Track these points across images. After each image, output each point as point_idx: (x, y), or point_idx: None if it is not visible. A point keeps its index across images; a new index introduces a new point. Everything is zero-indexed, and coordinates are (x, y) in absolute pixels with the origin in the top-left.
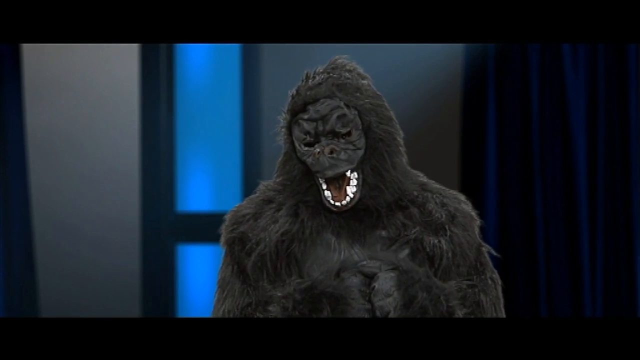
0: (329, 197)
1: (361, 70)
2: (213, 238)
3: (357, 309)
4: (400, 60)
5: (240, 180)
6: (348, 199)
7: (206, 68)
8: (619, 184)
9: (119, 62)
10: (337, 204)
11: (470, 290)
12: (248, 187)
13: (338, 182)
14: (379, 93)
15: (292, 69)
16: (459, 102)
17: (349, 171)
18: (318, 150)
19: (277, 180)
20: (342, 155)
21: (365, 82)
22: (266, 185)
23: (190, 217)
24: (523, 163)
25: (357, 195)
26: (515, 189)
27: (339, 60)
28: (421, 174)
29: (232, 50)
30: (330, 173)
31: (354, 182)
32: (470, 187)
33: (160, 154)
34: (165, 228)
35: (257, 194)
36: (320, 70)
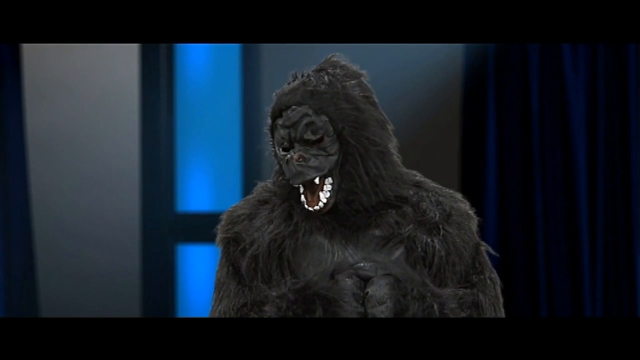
0: (304, 202)
1: (354, 68)
2: (213, 238)
3: (349, 312)
4: (400, 60)
5: (240, 180)
6: (321, 204)
7: (206, 68)
8: (619, 184)
9: (119, 62)
10: (311, 209)
11: (468, 292)
12: (248, 187)
13: (312, 187)
14: (367, 94)
15: (292, 69)
16: (459, 102)
17: (322, 177)
18: (288, 156)
19: (273, 180)
20: (312, 162)
21: (351, 82)
22: (263, 186)
23: (190, 217)
24: (523, 163)
25: (331, 201)
26: (515, 189)
27: (331, 60)
28: (418, 174)
29: (232, 50)
30: (297, 180)
31: (327, 187)
32: (470, 187)
33: (160, 154)
34: (165, 228)
35: (253, 195)
36: (305, 72)
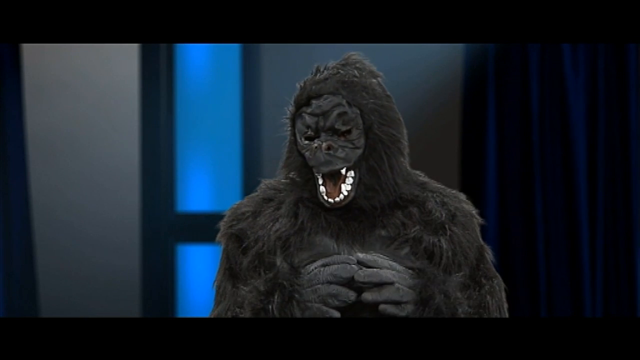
0: (323, 192)
1: (374, 69)
2: (213, 238)
3: (307, 302)
4: (400, 60)
5: (240, 180)
6: (342, 196)
7: (206, 68)
8: (619, 184)
9: (119, 62)
10: (331, 200)
11: (476, 293)
12: (248, 187)
13: (334, 178)
14: (388, 94)
15: (292, 69)
16: (459, 102)
17: (346, 169)
18: (316, 145)
19: (281, 169)
20: (339, 153)
21: (375, 80)
22: (267, 183)
23: (190, 217)
24: (523, 163)
25: (352, 194)
26: (515, 189)
27: (353, 57)
28: (422, 174)
29: (232, 50)
30: (324, 169)
31: (349, 180)
32: (470, 187)
33: (160, 154)
34: (165, 228)
35: (257, 193)
36: (331, 65)
